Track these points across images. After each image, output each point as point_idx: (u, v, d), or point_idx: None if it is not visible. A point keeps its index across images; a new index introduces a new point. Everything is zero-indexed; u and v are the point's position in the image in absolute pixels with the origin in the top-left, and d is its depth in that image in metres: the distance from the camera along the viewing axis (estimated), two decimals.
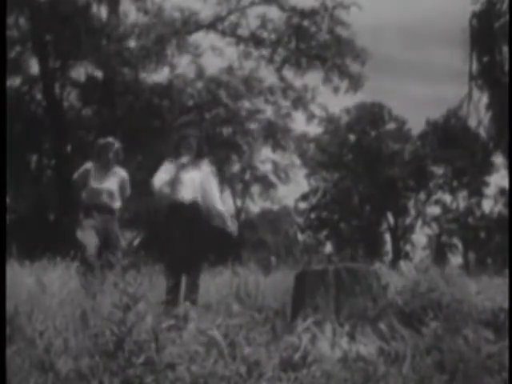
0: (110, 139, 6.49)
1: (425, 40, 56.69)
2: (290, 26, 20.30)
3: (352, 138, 37.32)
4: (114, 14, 19.78)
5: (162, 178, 5.47)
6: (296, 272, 5.31)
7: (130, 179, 6.58)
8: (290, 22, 20.31)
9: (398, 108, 44.82)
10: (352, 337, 3.91)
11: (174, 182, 5.42)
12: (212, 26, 20.41)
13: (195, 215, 5.43)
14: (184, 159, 5.53)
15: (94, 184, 6.28)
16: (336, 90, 20.58)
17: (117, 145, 6.43)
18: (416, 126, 48.13)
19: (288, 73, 21.00)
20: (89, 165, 6.41)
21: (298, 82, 21.07)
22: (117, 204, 6.41)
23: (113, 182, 6.37)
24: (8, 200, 20.46)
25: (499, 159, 23.18)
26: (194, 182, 5.49)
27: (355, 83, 20.33)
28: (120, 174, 6.50)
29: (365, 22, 24.27)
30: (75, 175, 6.46)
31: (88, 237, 6.03)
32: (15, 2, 16.48)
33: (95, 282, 4.95)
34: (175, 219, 5.36)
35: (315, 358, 3.31)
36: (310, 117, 21.62)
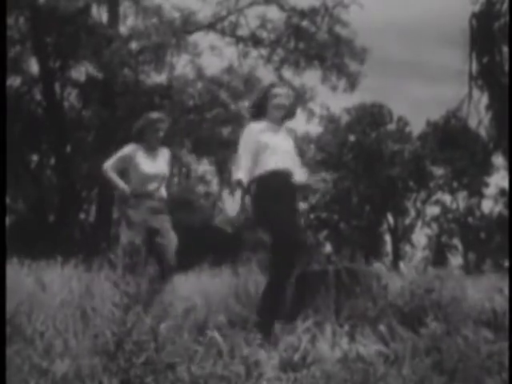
0: (161, 114, 5.63)
1: (425, 40, 56.70)
2: (290, 25, 20.33)
3: (352, 138, 37.33)
4: (113, 15, 19.81)
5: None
6: (296, 272, 5.32)
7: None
8: (289, 22, 20.33)
9: (397, 108, 44.86)
10: (352, 337, 3.91)
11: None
12: (212, 25, 20.43)
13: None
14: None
15: (144, 168, 5.32)
16: (334, 88, 20.62)
17: (168, 122, 5.60)
18: (416, 126, 48.17)
19: (287, 72, 21.06)
20: (129, 148, 5.44)
21: (296, 82, 21.09)
22: (165, 192, 5.53)
23: (164, 165, 5.47)
24: (8, 200, 20.48)
25: (499, 160, 23.17)
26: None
27: (353, 81, 20.37)
28: (166, 155, 5.58)
29: (364, 22, 24.34)
30: (109, 162, 5.39)
31: (138, 235, 5.11)
32: (15, 3, 16.49)
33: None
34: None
35: (315, 358, 3.31)
36: (310, 116, 21.65)
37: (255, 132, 4.57)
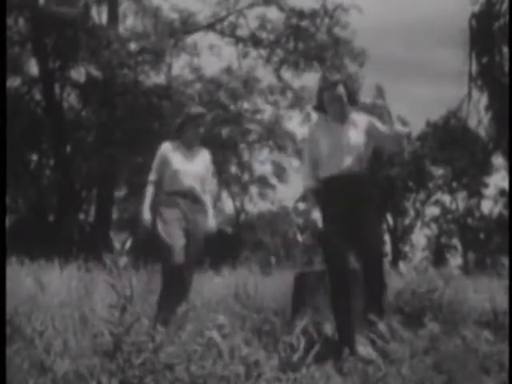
0: (202, 109, 5.30)
1: (425, 40, 56.73)
2: (289, 26, 20.34)
3: None
4: (112, 16, 19.82)
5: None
6: (295, 273, 5.32)
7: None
8: (288, 23, 20.34)
9: (397, 108, 44.79)
10: None
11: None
12: (211, 26, 20.45)
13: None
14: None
15: (177, 165, 4.97)
16: None
17: (207, 117, 5.33)
18: (416, 126, 48.16)
19: (286, 73, 21.07)
20: (164, 145, 5.11)
21: (295, 83, 21.14)
22: (203, 195, 5.06)
23: (200, 165, 5.08)
24: (8, 200, 20.47)
25: (499, 160, 23.17)
26: None
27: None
28: (205, 155, 5.18)
29: (364, 23, 24.37)
30: (155, 163, 5.07)
31: (175, 234, 4.71)
32: (15, 3, 16.49)
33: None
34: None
35: (314, 358, 3.31)
36: (306, 118, 21.66)
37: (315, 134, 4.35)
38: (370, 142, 4.34)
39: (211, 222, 4.96)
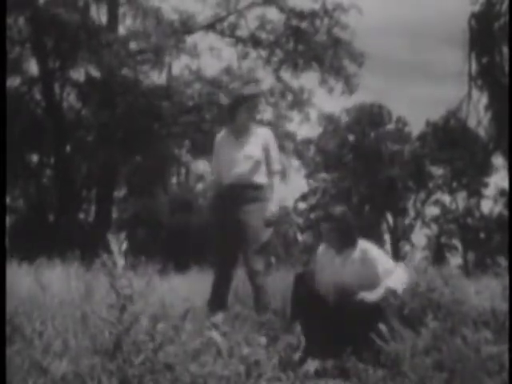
0: (256, 88, 4.98)
1: (425, 40, 56.74)
2: (289, 27, 20.33)
3: (352, 138, 37.34)
4: (112, 16, 19.82)
5: None
6: (295, 272, 5.31)
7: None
8: (288, 23, 20.33)
9: (397, 108, 44.90)
10: None
11: None
12: (211, 26, 20.44)
13: None
14: None
15: (228, 152, 4.66)
16: (330, 90, 20.62)
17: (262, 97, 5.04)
18: (415, 126, 48.19)
19: (285, 74, 21.07)
20: (218, 136, 4.85)
21: (295, 83, 21.12)
22: (262, 179, 4.65)
23: (256, 148, 4.66)
24: (8, 200, 20.47)
25: (499, 160, 23.18)
26: None
27: (350, 86, 20.38)
28: (263, 136, 4.75)
29: (364, 23, 24.37)
30: (212, 161, 4.91)
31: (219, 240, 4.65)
32: (15, 3, 16.48)
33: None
34: None
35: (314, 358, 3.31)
36: (305, 118, 21.66)
37: None
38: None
39: (270, 208, 4.58)
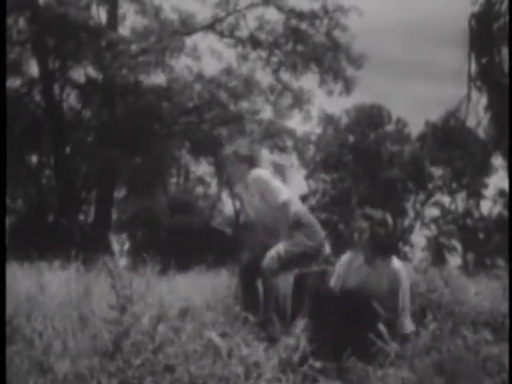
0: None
1: (425, 41, 56.75)
2: (288, 27, 20.33)
3: (351, 139, 37.33)
4: (112, 16, 19.82)
5: None
6: (295, 273, 5.31)
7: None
8: (287, 24, 20.33)
9: (397, 109, 44.84)
10: None
11: None
12: (211, 27, 20.44)
13: None
14: None
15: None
16: (330, 92, 20.67)
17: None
18: (415, 126, 48.19)
19: (284, 75, 21.09)
20: None
21: (294, 84, 21.16)
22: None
23: (254, 196, 5.04)
24: (8, 200, 20.47)
25: (498, 160, 23.19)
26: None
27: (348, 85, 20.41)
28: (254, 182, 5.03)
29: (364, 23, 24.37)
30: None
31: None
32: (15, 3, 16.49)
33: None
34: None
35: (314, 358, 3.31)
36: (306, 118, 21.69)
37: None
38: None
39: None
